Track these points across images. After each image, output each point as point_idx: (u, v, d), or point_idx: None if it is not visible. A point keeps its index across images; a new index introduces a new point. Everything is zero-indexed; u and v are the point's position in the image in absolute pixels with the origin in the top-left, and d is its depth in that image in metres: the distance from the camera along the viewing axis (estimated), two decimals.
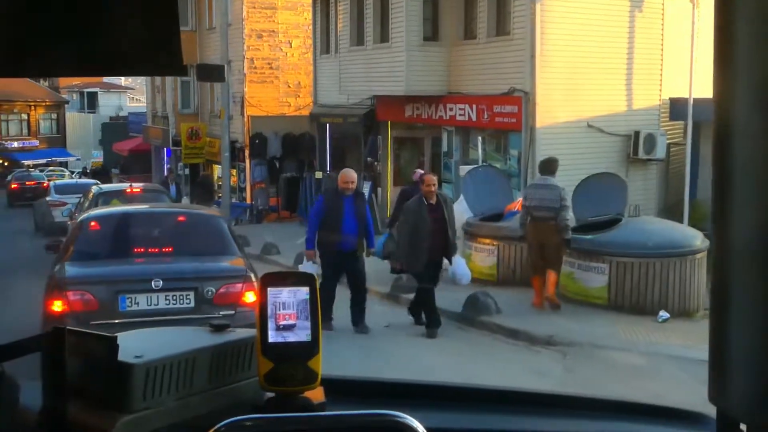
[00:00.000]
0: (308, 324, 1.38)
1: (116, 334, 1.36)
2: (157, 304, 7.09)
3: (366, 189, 18.89)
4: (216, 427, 1.12)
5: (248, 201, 26.03)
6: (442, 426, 1.41)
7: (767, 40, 0.71)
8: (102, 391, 1.33)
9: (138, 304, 7.06)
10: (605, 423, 1.55)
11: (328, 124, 23.19)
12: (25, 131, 59.81)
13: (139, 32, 0.87)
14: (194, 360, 1.42)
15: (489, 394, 1.66)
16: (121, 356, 1.33)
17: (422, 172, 15.36)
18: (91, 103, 67.55)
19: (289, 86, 27.32)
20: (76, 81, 64.46)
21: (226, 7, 22.75)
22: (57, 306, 6.93)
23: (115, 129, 47.69)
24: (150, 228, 8.37)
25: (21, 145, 57.76)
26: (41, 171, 45.05)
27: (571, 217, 10.42)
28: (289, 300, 1.38)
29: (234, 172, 27.43)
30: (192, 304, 7.14)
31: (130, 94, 68.75)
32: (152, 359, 1.37)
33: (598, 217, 11.08)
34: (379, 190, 20.88)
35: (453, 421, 1.50)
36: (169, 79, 31.79)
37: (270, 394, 1.40)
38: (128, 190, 14.66)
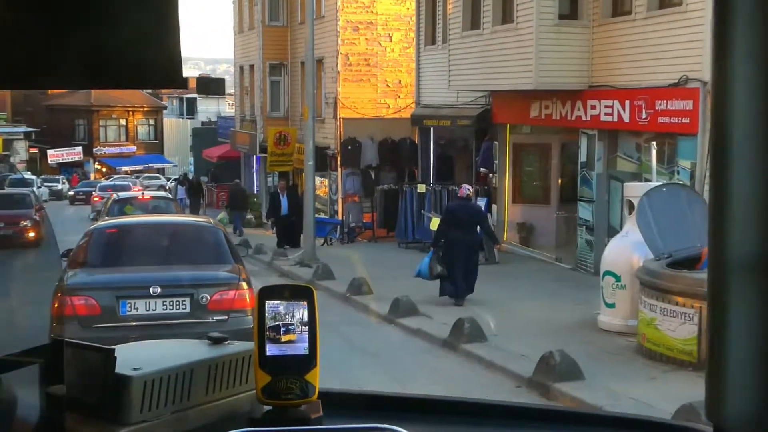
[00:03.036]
0: (306, 337, 1.43)
1: (114, 347, 1.45)
2: (155, 309, 7.82)
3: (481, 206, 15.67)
4: None
5: (339, 216, 23.63)
6: None
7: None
8: (99, 403, 1.40)
9: (137, 309, 7.80)
10: None
11: (432, 128, 21.44)
12: (123, 137, 60.85)
13: (139, 44, 0.90)
14: (192, 372, 1.48)
15: (485, 408, 1.68)
16: (119, 368, 1.40)
17: (469, 188, 12.43)
18: (189, 108, 67.82)
19: (388, 85, 25.43)
20: None
21: None
22: (63, 310, 7.70)
23: (205, 134, 47.25)
24: (151, 238, 9.10)
25: (119, 151, 58.79)
26: (137, 177, 45.77)
27: None
28: (287, 313, 1.43)
29: (325, 182, 24.86)
30: (187, 310, 7.84)
31: (227, 100, 68.59)
32: (150, 371, 1.43)
33: None
34: (494, 207, 18.12)
35: None
36: (257, 80, 30.05)
37: (267, 408, 1.45)
38: (140, 198, 19.05)
